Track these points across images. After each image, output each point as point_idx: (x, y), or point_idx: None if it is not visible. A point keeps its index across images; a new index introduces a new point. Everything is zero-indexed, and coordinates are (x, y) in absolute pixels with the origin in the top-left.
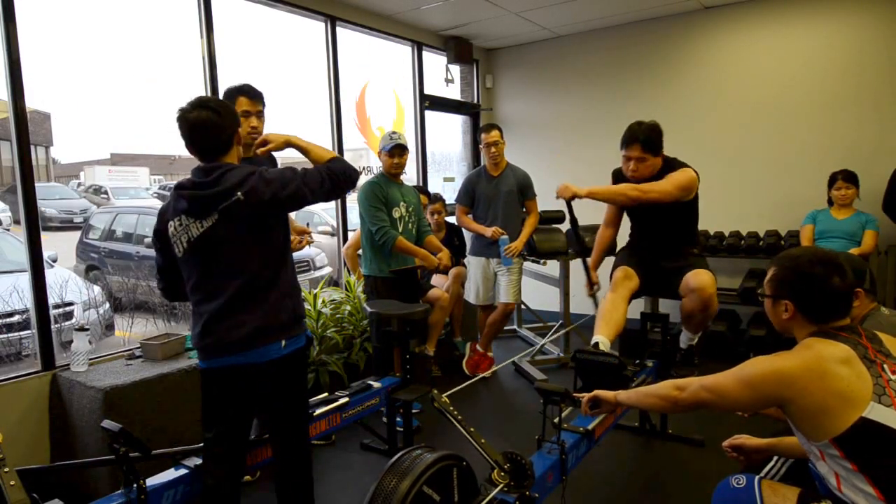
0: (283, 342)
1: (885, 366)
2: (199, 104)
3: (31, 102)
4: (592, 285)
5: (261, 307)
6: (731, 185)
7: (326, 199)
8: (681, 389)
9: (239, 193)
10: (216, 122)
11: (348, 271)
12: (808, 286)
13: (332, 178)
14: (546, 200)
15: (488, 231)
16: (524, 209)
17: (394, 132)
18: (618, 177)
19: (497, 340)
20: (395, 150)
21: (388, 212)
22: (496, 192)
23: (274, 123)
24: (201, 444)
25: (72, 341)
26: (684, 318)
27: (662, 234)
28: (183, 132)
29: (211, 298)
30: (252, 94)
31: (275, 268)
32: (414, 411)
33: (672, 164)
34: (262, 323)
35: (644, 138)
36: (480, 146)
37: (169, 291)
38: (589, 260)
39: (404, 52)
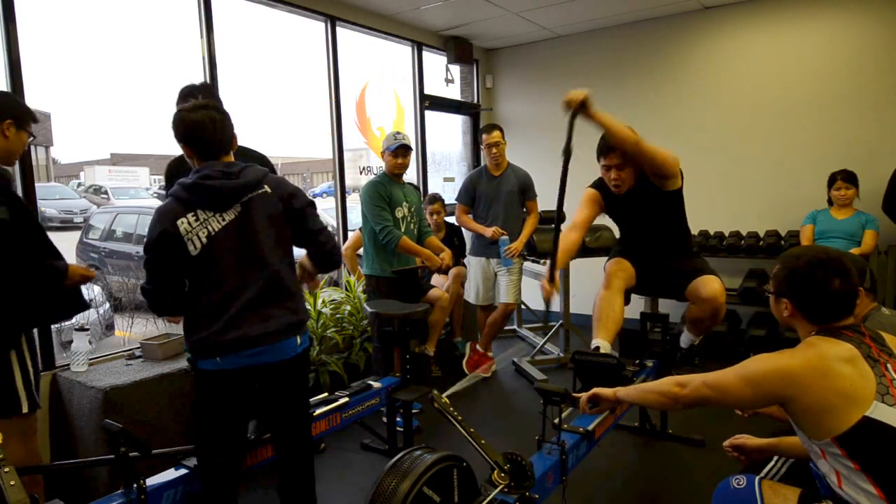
0: (299, 338)
1: (888, 365)
2: (201, 106)
3: (31, 102)
4: (551, 280)
5: (287, 301)
6: (731, 185)
7: (317, 244)
8: (682, 386)
9: (266, 187)
10: (221, 120)
11: (348, 271)
12: (806, 288)
13: (330, 240)
14: (546, 201)
15: (488, 231)
16: (525, 209)
17: (397, 132)
18: (599, 187)
19: (497, 340)
20: (399, 151)
21: (391, 211)
22: (497, 193)
23: (274, 123)
24: None
25: (72, 341)
26: (690, 323)
27: (653, 234)
28: (183, 131)
29: (237, 293)
30: (208, 93)
31: (290, 263)
32: (414, 411)
33: None
34: (289, 318)
35: None
36: (481, 146)
37: (156, 298)
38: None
39: (404, 52)
